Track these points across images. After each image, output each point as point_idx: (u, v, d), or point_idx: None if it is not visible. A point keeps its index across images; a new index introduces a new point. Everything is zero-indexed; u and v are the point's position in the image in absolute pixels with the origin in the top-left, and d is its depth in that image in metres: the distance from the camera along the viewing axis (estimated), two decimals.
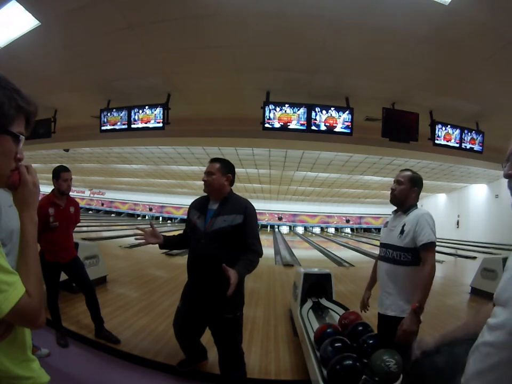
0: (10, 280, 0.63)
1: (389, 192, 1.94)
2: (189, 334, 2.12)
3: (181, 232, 2.14)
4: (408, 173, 1.86)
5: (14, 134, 0.67)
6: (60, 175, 2.55)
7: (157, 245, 1.97)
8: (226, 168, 1.92)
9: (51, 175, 2.58)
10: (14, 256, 0.72)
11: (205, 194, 2.01)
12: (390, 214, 2.00)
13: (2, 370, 0.68)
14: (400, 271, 1.78)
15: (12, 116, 0.66)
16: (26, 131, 0.71)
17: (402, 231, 1.78)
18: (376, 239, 16.07)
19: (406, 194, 1.84)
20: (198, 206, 1.97)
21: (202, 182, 1.92)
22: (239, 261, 1.75)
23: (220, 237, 1.81)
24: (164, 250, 7.74)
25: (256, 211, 1.97)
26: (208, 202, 1.94)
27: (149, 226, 1.96)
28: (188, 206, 2.05)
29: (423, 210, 1.81)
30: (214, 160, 1.95)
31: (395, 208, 1.95)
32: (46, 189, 2.68)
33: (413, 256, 1.75)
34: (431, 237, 1.69)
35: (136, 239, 1.93)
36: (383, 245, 1.93)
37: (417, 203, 1.90)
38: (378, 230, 22.75)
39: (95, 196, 26.42)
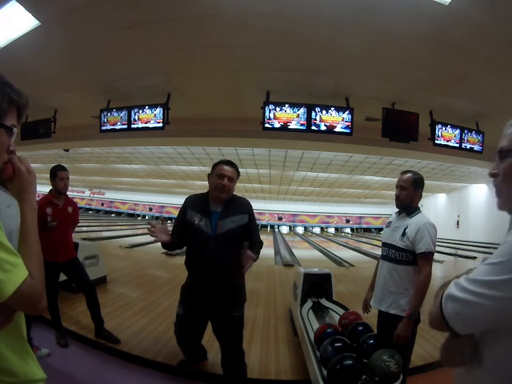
0: (15, 261, 0.64)
1: (388, 191, 1.96)
2: (191, 338, 2.13)
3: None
4: (409, 175, 1.86)
5: (7, 126, 0.67)
6: (57, 174, 2.54)
7: (157, 244, 1.94)
8: (238, 172, 1.93)
9: None
10: None
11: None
12: (390, 214, 2.02)
13: (1, 360, 0.67)
14: (401, 270, 1.81)
15: (4, 109, 0.66)
16: (18, 123, 0.71)
17: (404, 233, 1.80)
18: (376, 239, 16.07)
19: (411, 198, 1.86)
20: (198, 208, 1.87)
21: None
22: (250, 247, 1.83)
23: (230, 238, 1.82)
24: (164, 250, 7.73)
25: (256, 211, 2.00)
26: (208, 204, 1.87)
27: (160, 222, 1.89)
28: None
29: (426, 218, 1.82)
30: (232, 165, 1.88)
31: (396, 208, 1.95)
32: (46, 189, 2.69)
33: (414, 257, 1.77)
34: (429, 247, 1.71)
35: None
36: (385, 245, 1.94)
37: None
38: (378, 230, 22.75)
39: (95, 195, 26.39)
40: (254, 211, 1.97)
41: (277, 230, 23.38)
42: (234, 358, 1.94)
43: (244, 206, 1.90)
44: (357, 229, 24.58)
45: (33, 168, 0.76)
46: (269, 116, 4.25)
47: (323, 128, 4.26)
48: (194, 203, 1.91)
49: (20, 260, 0.65)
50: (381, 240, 2.05)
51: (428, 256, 1.73)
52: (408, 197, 1.85)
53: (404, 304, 1.76)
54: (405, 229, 1.81)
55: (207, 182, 1.94)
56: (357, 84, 4.08)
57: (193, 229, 1.83)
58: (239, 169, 1.95)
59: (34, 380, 0.75)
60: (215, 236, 1.80)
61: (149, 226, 1.81)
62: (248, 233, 1.89)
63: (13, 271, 0.62)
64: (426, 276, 1.71)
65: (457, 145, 4.73)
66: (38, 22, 3.01)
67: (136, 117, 4.70)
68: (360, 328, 2.02)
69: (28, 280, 0.64)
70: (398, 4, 2.61)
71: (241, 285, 1.97)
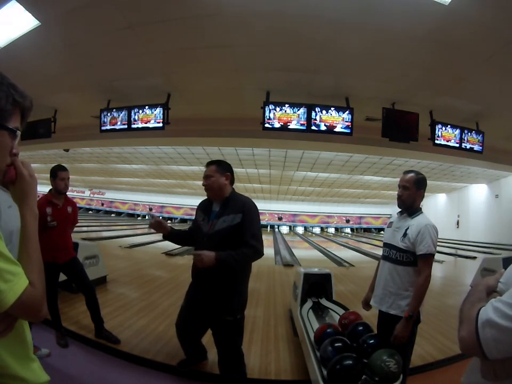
0: (15, 271, 0.63)
1: (388, 191, 1.96)
2: (190, 334, 2.13)
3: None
4: (412, 175, 1.84)
5: (11, 129, 0.67)
6: (57, 174, 2.55)
7: (157, 244, 1.98)
8: (223, 167, 1.92)
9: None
10: (14, 256, 0.71)
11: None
12: (390, 214, 2.02)
13: (3, 367, 0.67)
14: (402, 270, 1.80)
15: (8, 111, 0.66)
16: (22, 126, 0.71)
17: (405, 234, 1.80)
18: (376, 239, 16.06)
19: (413, 198, 1.84)
20: (203, 208, 2.00)
21: (203, 182, 1.93)
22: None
23: (222, 238, 1.81)
24: (164, 250, 7.75)
25: None
26: (211, 204, 1.97)
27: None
28: (188, 206, 2.08)
29: (428, 219, 1.81)
30: (209, 163, 1.95)
31: (397, 207, 1.95)
32: (46, 189, 2.68)
33: (415, 258, 1.77)
34: (430, 249, 1.71)
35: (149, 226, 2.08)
36: (386, 245, 1.94)
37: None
38: (378, 230, 22.76)
39: (95, 195, 26.40)
40: None
41: (277, 230, 23.38)
42: (228, 361, 1.91)
43: (239, 206, 1.84)
44: (357, 229, 24.59)
45: (34, 173, 0.76)
46: (269, 116, 4.25)
47: (323, 128, 4.26)
48: (202, 204, 2.06)
49: (20, 269, 0.65)
50: (380, 240, 2.05)
51: (428, 258, 1.72)
52: (410, 197, 1.84)
53: (404, 305, 1.75)
54: (406, 230, 1.80)
55: None
56: (357, 83, 4.08)
57: (197, 228, 1.98)
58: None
59: (38, 383, 0.75)
60: (207, 234, 1.85)
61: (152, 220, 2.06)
62: (241, 233, 1.78)
63: (13, 281, 0.61)
64: (425, 277, 1.70)
65: (457, 145, 4.72)
66: (38, 22, 3.01)
67: (136, 117, 4.70)
68: (360, 328, 2.02)
69: (29, 289, 0.64)
70: (398, 4, 2.61)
71: (235, 289, 1.87)
